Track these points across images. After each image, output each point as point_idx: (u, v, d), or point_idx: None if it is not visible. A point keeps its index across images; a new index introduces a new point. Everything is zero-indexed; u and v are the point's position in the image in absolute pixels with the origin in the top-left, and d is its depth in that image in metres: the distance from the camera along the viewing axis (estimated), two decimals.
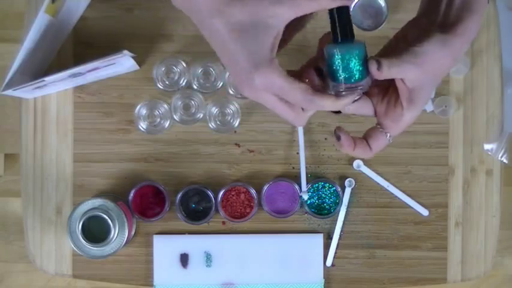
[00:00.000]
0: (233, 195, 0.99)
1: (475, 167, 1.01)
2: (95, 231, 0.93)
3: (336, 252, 1.01)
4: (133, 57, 0.93)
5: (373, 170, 1.00)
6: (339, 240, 1.01)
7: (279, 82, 0.62)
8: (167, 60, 0.99)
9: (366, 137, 0.68)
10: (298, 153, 1.00)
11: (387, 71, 0.61)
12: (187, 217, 0.99)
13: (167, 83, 0.99)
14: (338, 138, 0.67)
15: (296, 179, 1.00)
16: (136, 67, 0.99)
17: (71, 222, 0.93)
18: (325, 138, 1.01)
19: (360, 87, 0.62)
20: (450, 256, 1.01)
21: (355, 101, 0.66)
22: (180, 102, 0.99)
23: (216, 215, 1.00)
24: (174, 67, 0.99)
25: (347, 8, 0.65)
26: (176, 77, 0.99)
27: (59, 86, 0.98)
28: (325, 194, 1.00)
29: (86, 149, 1.01)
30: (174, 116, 0.99)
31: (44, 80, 0.92)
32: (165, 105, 0.99)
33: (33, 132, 1.01)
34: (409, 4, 1.00)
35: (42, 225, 1.00)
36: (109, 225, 0.92)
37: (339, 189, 0.99)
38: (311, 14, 0.66)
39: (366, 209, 1.01)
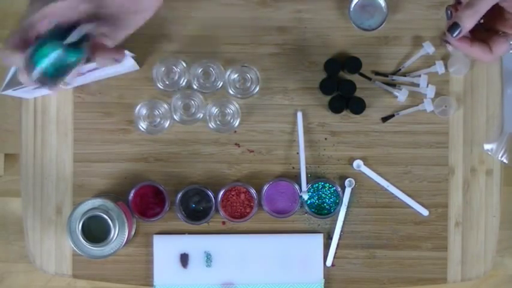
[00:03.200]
0: (233, 195, 0.99)
1: (475, 167, 1.01)
2: (95, 231, 0.93)
3: (336, 252, 1.01)
4: (133, 57, 0.93)
5: (373, 170, 1.00)
6: (339, 240, 1.01)
7: None
8: (167, 60, 0.99)
9: (487, 42, 0.70)
10: (298, 153, 1.00)
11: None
12: (187, 217, 0.99)
13: (167, 83, 0.99)
14: (448, 15, 0.73)
15: (296, 179, 1.00)
16: (136, 67, 0.99)
17: (71, 222, 0.93)
18: (325, 138, 1.01)
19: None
20: (450, 256, 1.01)
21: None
22: (180, 102, 0.99)
23: (216, 215, 1.00)
24: (174, 67, 0.99)
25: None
26: (176, 77, 0.99)
27: None
28: (325, 194, 1.00)
29: (86, 149, 1.01)
30: (174, 116, 0.99)
31: None
32: (165, 105, 0.99)
33: (33, 132, 1.01)
34: (409, 4, 1.00)
35: (42, 225, 1.00)
36: (109, 225, 0.92)
37: (339, 189, 0.99)
38: None
39: (366, 209, 1.01)
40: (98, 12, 0.78)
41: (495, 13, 0.72)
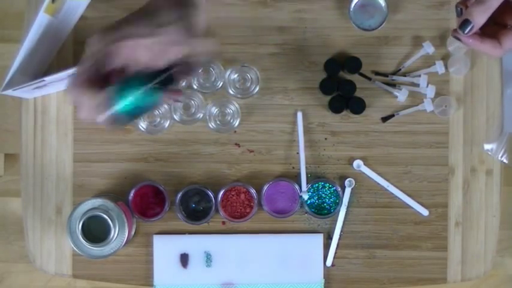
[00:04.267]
0: (233, 195, 0.99)
1: (475, 167, 1.01)
2: (95, 231, 0.93)
3: (336, 252, 1.01)
4: None
5: (373, 170, 1.00)
6: (339, 240, 1.01)
7: None
8: None
9: (496, 36, 0.71)
10: (298, 153, 1.00)
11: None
12: (187, 217, 0.99)
13: None
14: (459, 13, 0.72)
15: (296, 179, 1.00)
16: None
17: (71, 222, 0.93)
18: (325, 138, 1.01)
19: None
20: (450, 256, 1.01)
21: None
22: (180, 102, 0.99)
23: (216, 215, 1.00)
24: None
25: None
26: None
27: (59, 86, 0.98)
28: (325, 194, 0.99)
29: (86, 149, 1.01)
30: (174, 116, 0.99)
31: (44, 80, 0.92)
32: (165, 105, 0.99)
33: (33, 132, 1.01)
34: (409, 4, 1.00)
35: (42, 225, 1.00)
36: (109, 225, 0.92)
37: (339, 189, 0.99)
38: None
39: (366, 209, 1.01)
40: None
41: (504, 7, 0.72)
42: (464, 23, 0.71)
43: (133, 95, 0.68)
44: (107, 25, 0.70)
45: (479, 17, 0.70)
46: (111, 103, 0.68)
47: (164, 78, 0.70)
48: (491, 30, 0.75)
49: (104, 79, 0.69)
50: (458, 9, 0.74)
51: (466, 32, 0.71)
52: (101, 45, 0.69)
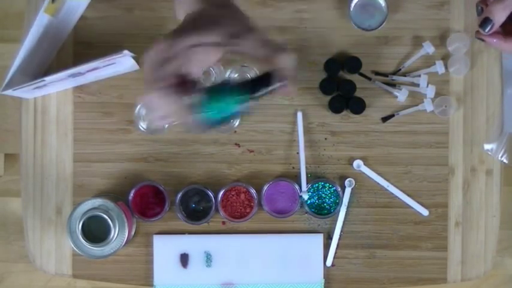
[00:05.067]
0: (233, 195, 0.99)
1: (475, 167, 1.01)
2: (95, 231, 0.93)
3: (336, 252, 1.01)
4: (133, 57, 0.93)
5: (373, 170, 1.00)
6: (339, 240, 1.01)
7: None
8: None
9: None
10: (298, 153, 1.00)
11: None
12: (187, 217, 0.99)
13: None
14: (479, 11, 0.73)
15: (296, 179, 1.00)
16: (137, 67, 0.99)
17: (71, 222, 0.93)
18: (325, 138, 1.01)
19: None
20: (450, 256, 1.01)
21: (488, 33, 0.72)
22: None
23: (216, 215, 1.00)
24: None
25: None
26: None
27: (59, 86, 0.98)
28: (325, 194, 1.00)
29: (86, 149, 1.01)
30: None
31: (44, 80, 0.92)
32: None
33: (33, 132, 1.01)
34: (409, 4, 1.00)
35: (42, 225, 1.00)
36: (109, 225, 0.92)
37: (339, 189, 0.99)
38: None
39: (366, 209, 1.01)
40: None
41: None
42: (484, 21, 0.71)
43: (220, 105, 0.68)
44: (169, 33, 0.68)
45: (499, 14, 0.70)
46: (194, 110, 0.67)
47: (249, 88, 0.69)
48: (509, 27, 0.75)
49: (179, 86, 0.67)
50: (479, 8, 0.75)
51: (486, 30, 0.72)
52: (172, 52, 0.66)
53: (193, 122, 0.68)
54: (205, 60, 0.67)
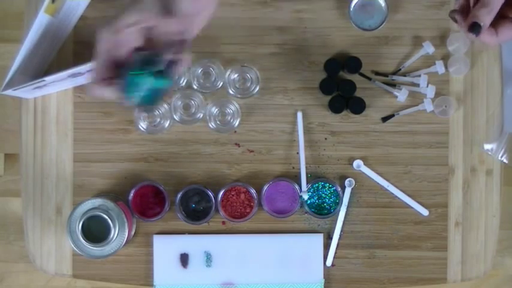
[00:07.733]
0: (233, 195, 0.99)
1: (475, 167, 1.01)
2: (95, 231, 0.93)
3: (336, 252, 1.01)
4: None
5: (373, 170, 1.00)
6: (339, 240, 1.01)
7: None
8: None
9: (494, 25, 0.73)
10: (298, 153, 1.00)
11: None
12: (187, 217, 0.99)
13: None
14: (454, 20, 0.75)
15: (296, 179, 1.00)
16: None
17: (71, 222, 0.93)
18: (325, 138, 1.01)
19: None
20: (450, 256, 1.01)
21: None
22: (180, 102, 0.99)
23: (216, 215, 1.00)
24: None
25: None
26: (176, 77, 0.99)
27: (59, 86, 0.98)
28: (325, 194, 1.00)
29: (86, 149, 1.01)
30: (174, 116, 0.99)
31: (44, 80, 0.92)
32: (165, 105, 0.99)
33: (33, 132, 1.01)
34: (409, 4, 1.00)
35: (42, 225, 1.00)
36: (109, 225, 0.92)
37: (339, 189, 0.99)
38: None
39: (366, 209, 1.01)
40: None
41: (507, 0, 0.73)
42: (473, 27, 0.72)
43: (145, 85, 0.76)
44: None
45: (486, 18, 0.72)
46: (127, 95, 0.76)
47: (162, 60, 0.77)
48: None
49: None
50: (454, 17, 0.76)
51: (476, 35, 0.72)
52: (104, 39, 0.76)
53: (128, 101, 0.76)
54: (129, 41, 0.75)
